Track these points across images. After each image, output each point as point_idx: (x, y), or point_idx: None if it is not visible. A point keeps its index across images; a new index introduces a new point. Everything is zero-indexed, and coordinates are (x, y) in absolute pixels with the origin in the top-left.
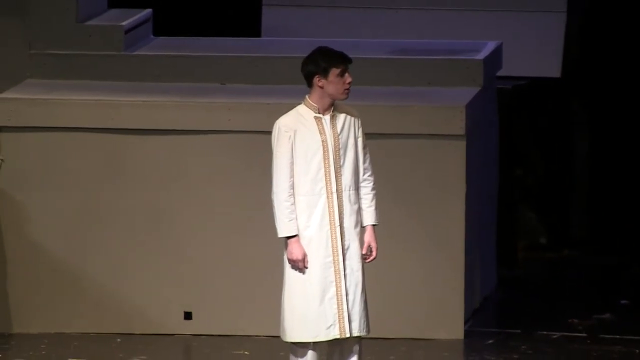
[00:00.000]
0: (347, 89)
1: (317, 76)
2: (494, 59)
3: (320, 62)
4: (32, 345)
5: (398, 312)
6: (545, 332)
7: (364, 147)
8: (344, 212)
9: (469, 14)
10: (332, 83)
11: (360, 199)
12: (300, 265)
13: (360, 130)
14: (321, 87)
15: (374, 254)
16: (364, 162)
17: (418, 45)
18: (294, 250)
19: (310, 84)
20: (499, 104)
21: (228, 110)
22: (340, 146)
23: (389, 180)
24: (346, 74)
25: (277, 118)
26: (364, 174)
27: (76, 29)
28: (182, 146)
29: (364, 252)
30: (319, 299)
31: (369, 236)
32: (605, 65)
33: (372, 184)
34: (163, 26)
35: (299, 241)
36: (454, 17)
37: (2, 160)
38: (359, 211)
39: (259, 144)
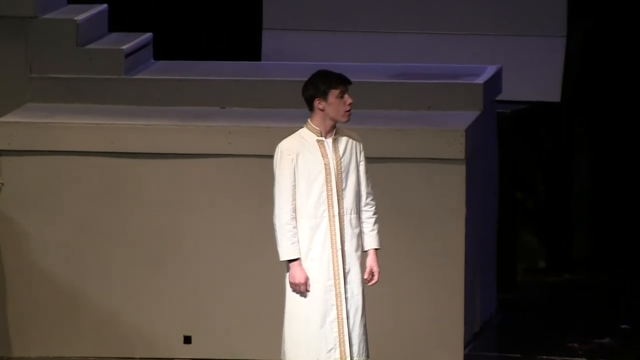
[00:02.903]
0: (348, 111)
1: (317, 99)
2: (494, 83)
3: (319, 85)
4: None
5: (397, 335)
6: (545, 356)
7: (366, 172)
8: (345, 235)
9: (468, 38)
10: (332, 105)
11: (362, 223)
12: (302, 289)
13: (362, 154)
14: (322, 110)
15: (375, 277)
16: (367, 186)
17: (418, 69)
18: (296, 274)
19: (311, 108)
20: (498, 128)
21: (228, 134)
22: (343, 169)
23: (390, 204)
24: (346, 95)
25: (277, 142)
26: (366, 198)
27: (77, 52)
28: (182, 170)
29: (366, 277)
30: (319, 322)
31: (371, 260)
32: (605, 89)
33: (374, 208)
34: (163, 50)
35: (300, 265)
36: (454, 41)
37: (2, 184)
38: (359, 235)
39: (259, 167)
